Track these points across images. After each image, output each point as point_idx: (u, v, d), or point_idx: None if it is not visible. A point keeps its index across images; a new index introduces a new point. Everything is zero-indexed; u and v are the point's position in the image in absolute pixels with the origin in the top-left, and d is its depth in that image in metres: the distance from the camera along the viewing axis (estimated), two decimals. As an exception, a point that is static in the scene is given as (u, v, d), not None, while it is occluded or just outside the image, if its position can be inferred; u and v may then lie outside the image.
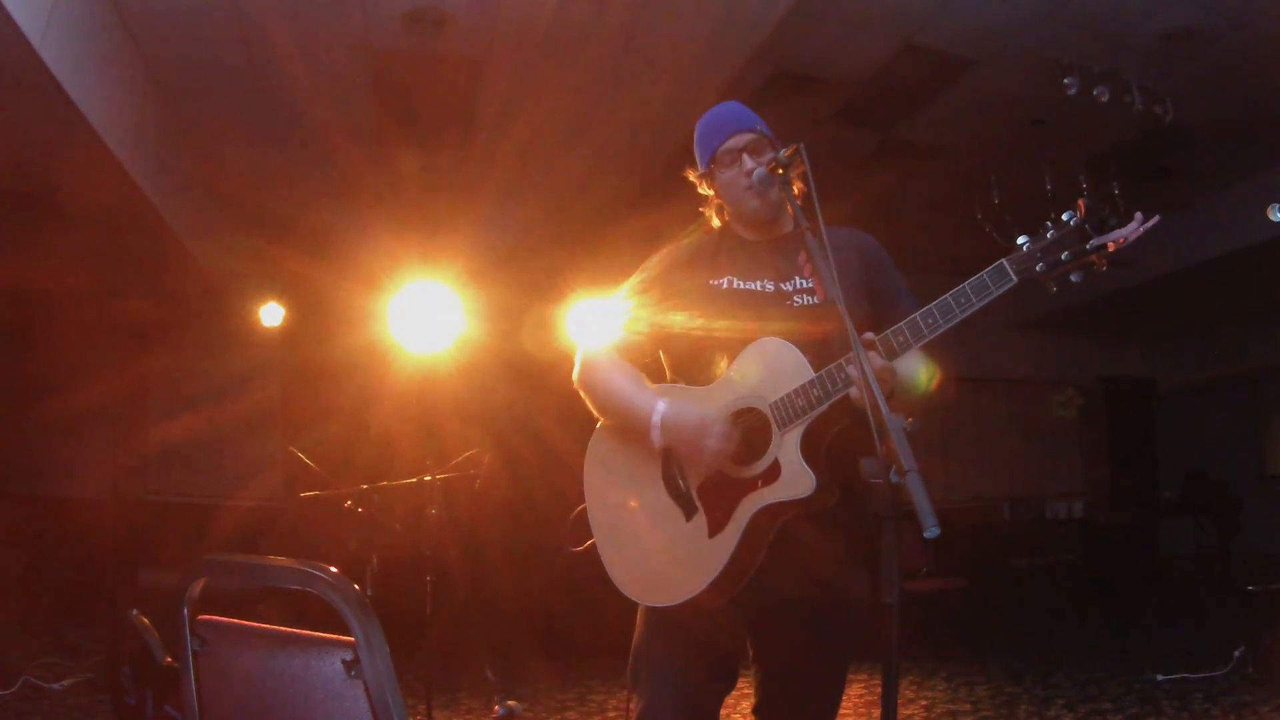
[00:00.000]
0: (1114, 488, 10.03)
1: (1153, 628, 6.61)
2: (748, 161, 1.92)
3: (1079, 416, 10.40)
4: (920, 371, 1.84)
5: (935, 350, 1.80)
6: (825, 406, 1.72)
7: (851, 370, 1.67)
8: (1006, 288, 1.63)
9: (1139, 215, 1.59)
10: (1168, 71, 5.14)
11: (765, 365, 1.80)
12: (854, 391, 1.66)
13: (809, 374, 1.74)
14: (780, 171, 1.82)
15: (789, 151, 1.79)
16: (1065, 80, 4.96)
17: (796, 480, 1.73)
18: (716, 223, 2.08)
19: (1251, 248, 6.90)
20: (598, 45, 4.86)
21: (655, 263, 2.04)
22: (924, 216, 7.39)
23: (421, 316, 5.03)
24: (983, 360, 8.71)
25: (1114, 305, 8.37)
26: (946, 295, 1.65)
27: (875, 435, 1.46)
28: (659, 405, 1.84)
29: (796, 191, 1.85)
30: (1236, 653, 4.91)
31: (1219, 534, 9.76)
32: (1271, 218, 3.45)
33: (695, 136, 2.05)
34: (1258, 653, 4.83)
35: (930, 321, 1.66)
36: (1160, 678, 4.87)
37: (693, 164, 2.07)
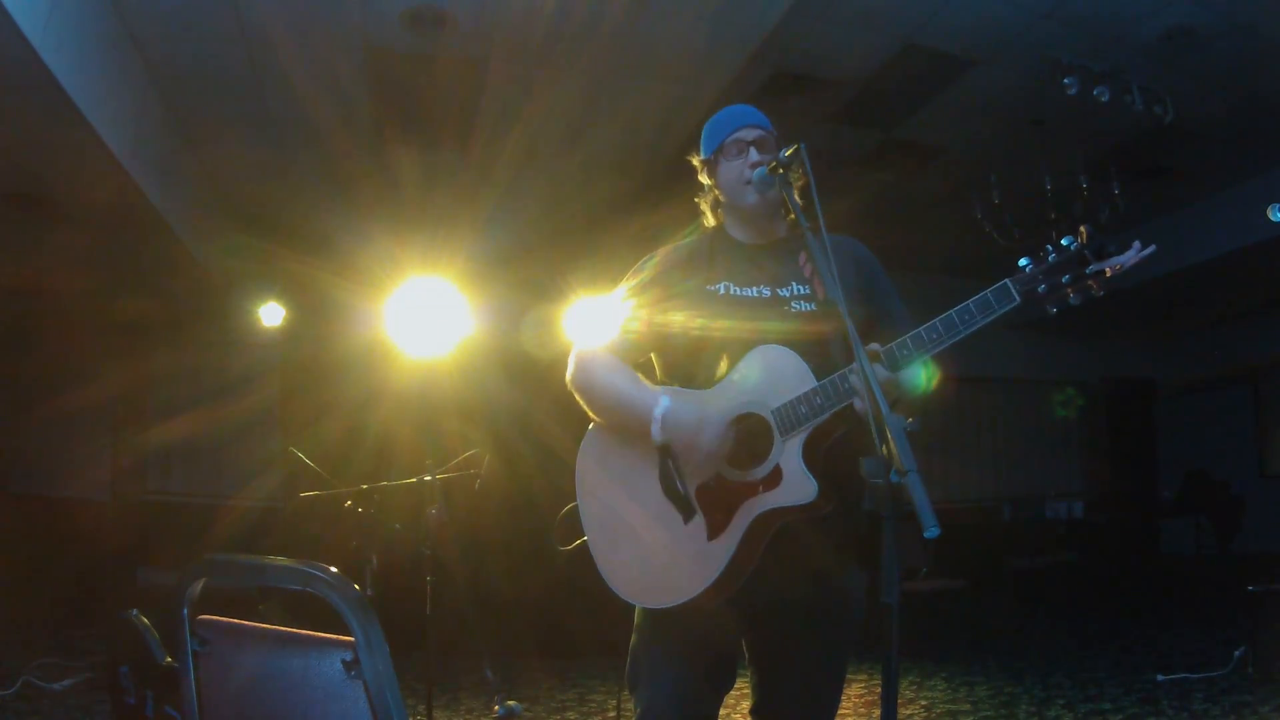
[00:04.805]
0: (1114, 488, 10.03)
1: (1153, 628, 6.61)
2: (754, 154, 1.92)
3: (1079, 416, 10.40)
4: (920, 372, 1.85)
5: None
6: (827, 415, 1.73)
7: (854, 379, 1.68)
8: (1009, 307, 1.66)
9: (1136, 244, 1.64)
10: (1168, 71, 5.14)
11: (767, 371, 1.81)
12: (858, 403, 1.68)
13: (811, 381, 1.75)
14: (780, 171, 1.82)
15: (789, 151, 1.79)
16: (1065, 80, 4.96)
17: (799, 486, 1.74)
18: (710, 219, 2.07)
19: (1251, 248, 6.90)
20: (597, 45, 4.86)
21: (651, 264, 2.03)
22: (924, 216, 7.39)
23: (421, 316, 5.02)
24: (983, 360, 8.72)
25: (1114, 305, 8.33)
26: (951, 311, 1.68)
27: (875, 436, 1.46)
28: (662, 400, 1.83)
29: (797, 192, 1.85)
30: (1236, 653, 4.91)
31: (1219, 534, 9.77)
32: (1271, 218, 3.44)
33: (705, 127, 2.05)
34: (1258, 653, 4.83)
35: (934, 336, 1.69)
36: (1160, 678, 4.87)
37: (694, 161, 2.07)
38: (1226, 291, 8.47)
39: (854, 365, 1.67)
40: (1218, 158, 6.45)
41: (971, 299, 1.67)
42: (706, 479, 1.83)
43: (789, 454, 1.76)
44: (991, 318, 1.67)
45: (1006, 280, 1.67)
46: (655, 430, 1.82)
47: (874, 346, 1.70)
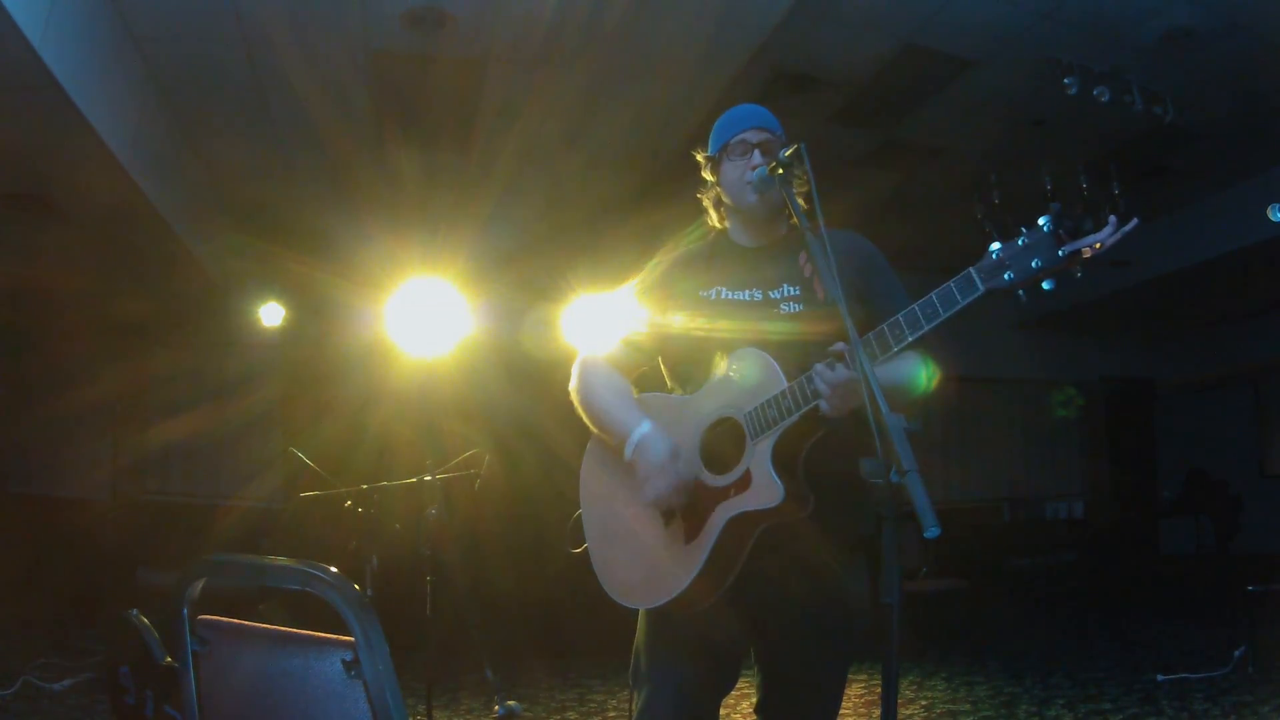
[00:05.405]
0: (1114, 488, 10.02)
1: (1153, 628, 6.61)
2: (757, 156, 1.93)
3: (1079, 416, 10.40)
4: (920, 371, 1.85)
5: (930, 349, 1.80)
6: (796, 417, 1.72)
7: (819, 382, 1.67)
8: (974, 298, 1.59)
9: (1113, 220, 1.56)
10: (1168, 71, 5.14)
11: (743, 375, 1.82)
12: (824, 405, 1.67)
13: (781, 384, 1.74)
14: (780, 172, 1.82)
15: (789, 152, 1.79)
16: (1065, 80, 4.96)
17: (765, 490, 1.73)
18: (712, 216, 2.09)
19: (1251, 248, 6.90)
20: (597, 45, 4.86)
21: (654, 267, 2.07)
22: (924, 216, 7.39)
23: (421, 316, 5.03)
24: (983, 360, 8.70)
25: (1114, 305, 8.37)
26: (914, 305, 1.63)
27: (875, 435, 1.46)
28: (643, 426, 1.89)
29: (798, 193, 1.85)
30: (1236, 653, 4.90)
31: (1219, 534, 9.76)
32: (1271, 218, 3.44)
33: (715, 123, 2.05)
34: (1258, 653, 4.83)
35: (897, 333, 1.64)
36: (1160, 678, 4.87)
37: (698, 156, 2.07)
38: (1226, 291, 8.47)
39: (818, 367, 1.67)
40: (1218, 158, 6.45)
41: (934, 291, 1.62)
42: (685, 483, 1.86)
43: (758, 457, 1.75)
44: (955, 309, 1.60)
45: (970, 269, 1.60)
46: (628, 451, 1.89)
47: (839, 346, 1.65)
